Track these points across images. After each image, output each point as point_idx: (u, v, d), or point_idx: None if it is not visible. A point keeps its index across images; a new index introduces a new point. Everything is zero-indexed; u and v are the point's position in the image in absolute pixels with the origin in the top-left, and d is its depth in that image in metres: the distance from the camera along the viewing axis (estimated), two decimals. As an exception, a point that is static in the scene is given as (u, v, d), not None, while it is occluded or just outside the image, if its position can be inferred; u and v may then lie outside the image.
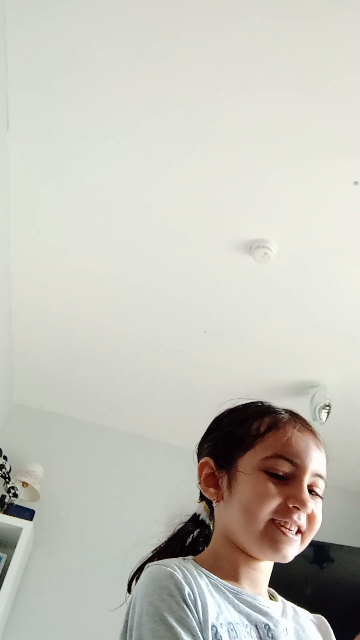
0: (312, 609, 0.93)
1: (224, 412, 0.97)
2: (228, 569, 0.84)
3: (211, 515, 0.93)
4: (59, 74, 1.66)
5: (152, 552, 0.95)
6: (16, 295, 2.50)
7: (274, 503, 0.81)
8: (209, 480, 0.90)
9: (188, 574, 0.79)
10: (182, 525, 0.98)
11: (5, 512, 2.66)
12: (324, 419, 2.48)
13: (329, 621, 0.92)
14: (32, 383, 3.10)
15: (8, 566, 2.49)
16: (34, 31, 1.57)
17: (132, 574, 0.91)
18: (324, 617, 0.93)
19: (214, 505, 0.90)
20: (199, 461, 0.94)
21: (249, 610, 0.80)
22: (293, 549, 0.83)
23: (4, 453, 2.84)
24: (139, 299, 2.42)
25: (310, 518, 0.84)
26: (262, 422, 0.88)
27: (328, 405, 2.51)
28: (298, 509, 0.81)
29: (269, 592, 0.89)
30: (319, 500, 0.86)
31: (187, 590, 0.75)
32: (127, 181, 1.93)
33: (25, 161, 1.92)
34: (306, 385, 2.66)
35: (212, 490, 0.89)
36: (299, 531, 0.83)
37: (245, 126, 1.70)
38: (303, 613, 0.91)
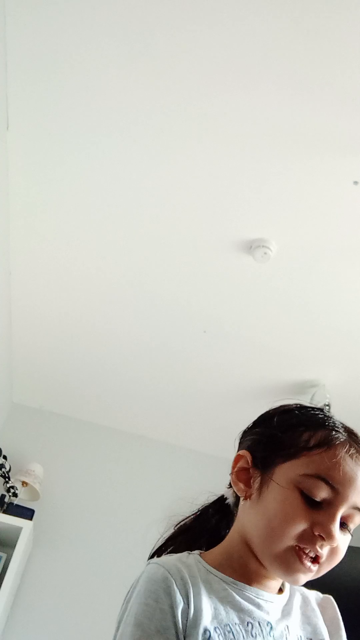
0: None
1: (278, 409, 0.90)
2: (239, 569, 0.82)
3: (236, 503, 0.90)
4: (58, 73, 1.66)
5: (175, 528, 0.94)
6: (16, 295, 2.50)
7: (300, 527, 0.76)
8: (241, 474, 0.86)
9: (185, 574, 0.77)
10: (206, 505, 0.95)
11: (5, 512, 2.66)
12: (323, 419, 2.48)
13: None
14: (32, 383, 3.10)
15: (8, 566, 2.49)
16: (34, 30, 1.57)
17: (158, 547, 0.92)
18: (333, 599, 0.90)
19: (241, 501, 0.86)
20: (238, 450, 0.90)
21: (251, 607, 0.79)
22: (306, 577, 0.79)
23: (3, 452, 2.83)
24: (139, 298, 2.42)
25: (333, 551, 0.78)
26: (314, 435, 0.81)
27: (328, 405, 2.51)
28: (323, 538, 0.76)
29: None
30: (348, 535, 0.80)
31: (177, 596, 0.74)
32: (127, 181, 1.93)
33: (25, 161, 1.92)
34: (306, 385, 2.66)
35: (241, 485, 0.85)
36: (316, 560, 0.78)
37: (245, 126, 1.70)
38: (312, 598, 0.89)
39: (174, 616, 0.72)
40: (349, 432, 0.84)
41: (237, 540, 0.84)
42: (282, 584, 0.87)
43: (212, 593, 0.78)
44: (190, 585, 0.76)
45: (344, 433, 0.82)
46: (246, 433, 0.91)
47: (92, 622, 2.58)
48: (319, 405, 2.53)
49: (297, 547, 0.77)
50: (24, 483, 2.81)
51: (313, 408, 0.88)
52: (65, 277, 2.38)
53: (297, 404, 0.90)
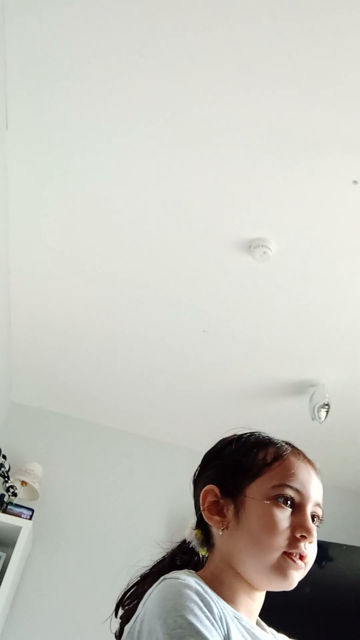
0: (311, 608, 0.94)
1: (225, 441, 0.98)
2: (228, 595, 0.84)
3: (203, 542, 0.93)
4: (58, 72, 1.66)
5: (140, 575, 0.94)
6: (15, 294, 2.50)
7: (285, 535, 0.83)
8: (212, 508, 0.90)
9: (208, 589, 0.78)
10: (169, 552, 0.96)
11: (4, 511, 2.66)
12: (323, 418, 2.49)
13: (328, 620, 0.93)
14: (31, 382, 3.10)
15: (7, 565, 2.49)
16: (33, 30, 1.57)
17: (121, 597, 0.91)
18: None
19: (219, 533, 0.89)
20: (196, 490, 0.94)
21: (249, 637, 0.80)
22: (299, 575, 0.85)
23: (3, 452, 2.84)
24: (138, 297, 2.42)
25: (312, 547, 0.86)
26: (268, 452, 0.91)
27: (327, 404, 2.51)
28: (305, 537, 0.83)
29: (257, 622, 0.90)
30: (316, 528, 0.88)
31: (214, 606, 0.75)
32: (127, 180, 1.93)
33: (25, 160, 1.92)
34: (305, 384, 2.66)
35: (217, 518, 0.89)
36: (302, 558, 0.85)
37: (244, 126, 1.70)
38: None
39: (214, 618, 0.74)
40: (287, 443, 0.95)
41: (222, 567, 0.87)
42: (260, 624, 0.90)
43: (222, 610, 0.79)
44: (216, 599, 0.78)
45: (286, 445, 0.93)
46: (201, 472, 0.97)
47: (92, 621, 2.57)
48: (319, 405, 2.53)
49: (286, 553, 0.83)
50: (23, 482, 2.81)
51: (252, 432, 0.97)
52: (64, 276, 2.38)
53: (235, 435, 0.98)
